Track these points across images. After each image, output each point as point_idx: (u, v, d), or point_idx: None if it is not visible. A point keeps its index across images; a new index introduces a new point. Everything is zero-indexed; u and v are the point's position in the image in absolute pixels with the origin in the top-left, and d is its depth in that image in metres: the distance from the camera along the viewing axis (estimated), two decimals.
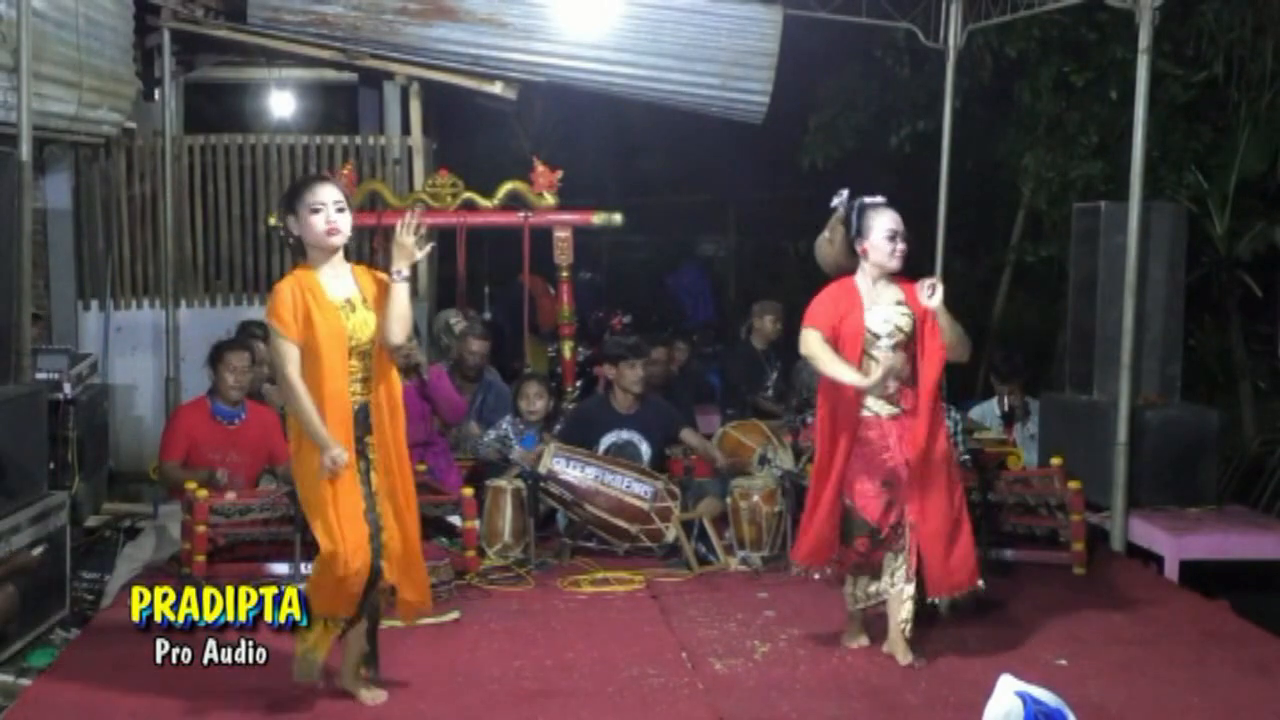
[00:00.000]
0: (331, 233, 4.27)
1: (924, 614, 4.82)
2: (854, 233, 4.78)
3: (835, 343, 4.71)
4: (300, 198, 4.30)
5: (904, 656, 4.70)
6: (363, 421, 4.28)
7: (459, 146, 11.17)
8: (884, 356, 4.70)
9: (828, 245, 4.89)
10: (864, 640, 4.91)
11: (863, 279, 4.80)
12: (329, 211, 4.25)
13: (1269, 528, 6.58)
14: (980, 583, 4.80)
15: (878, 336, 4.72)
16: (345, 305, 4.29)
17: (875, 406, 4.73)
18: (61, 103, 7.07)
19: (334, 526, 4.16)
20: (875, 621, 4.92)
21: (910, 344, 4.74)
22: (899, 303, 4.76)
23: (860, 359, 4.72)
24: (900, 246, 4.73)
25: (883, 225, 4.73)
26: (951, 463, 4.83)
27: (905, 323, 4.73)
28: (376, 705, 4.31)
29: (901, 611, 4.72)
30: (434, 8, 9.02)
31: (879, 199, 4.83)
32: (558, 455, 6.27)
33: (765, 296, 9.39)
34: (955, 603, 4.79)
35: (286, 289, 4.27)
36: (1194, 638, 5.04)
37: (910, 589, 4.72)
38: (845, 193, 4.88)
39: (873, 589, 4.83)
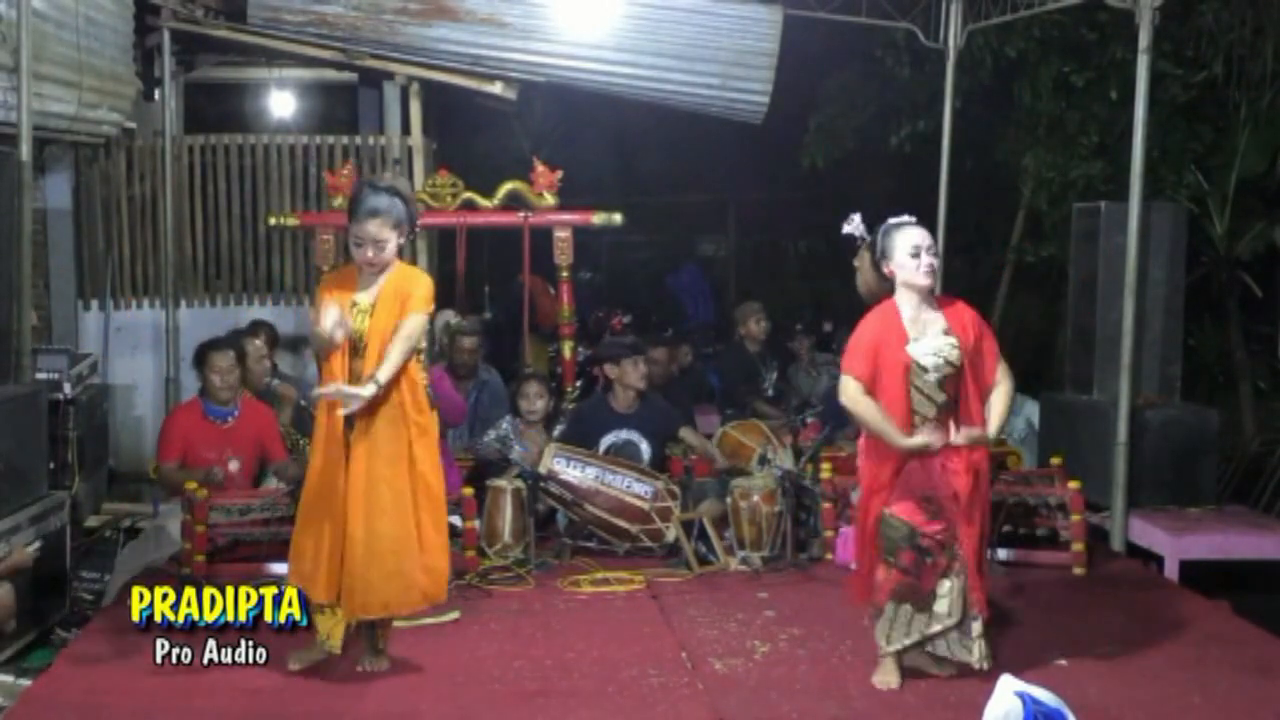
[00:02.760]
0: (368, 264, 4.54)
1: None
2: (879, 255, 4.58)
3: (874, 378, 4.47)
4: (354, 218, 4.53)
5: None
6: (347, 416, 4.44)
7: (459, 146, 11.18)
8: (930, 390, 4.46)
9: (860, 273, 4.70)
10: (894, 681, 4.48)
11: (903, 303, 4.54)
12: (367, 249, 4.50)
13: (1269, 528, 6.58)
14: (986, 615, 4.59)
15: (925, 370, 4.45)
16: (353, 306, 4.50)
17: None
18: (61, 103, 7.07)
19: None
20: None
21: (959, 376, 4.49)
22: (946, 332, 4.50)
23: (906, 392, 4.46)
24: (927, 261, 4.49)
25: (906, 242, 4.52)
26: (987, 499, 4.64)
27: (954, 355, 4.47)
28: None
29: (975, 651, 4.50)
30: (434, 8, 9.02)
31: (905, 218, 4.62)
32: (558, 455, 6.27)
33: (765, 296, 9.39)
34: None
35: (325, 279, 4.87)
36: (1194, 638, 5.03)
37: (979, 625, 4.50)
38: (856, 217, 4.68)
39: (921, 620, 4.47)
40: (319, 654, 4.58)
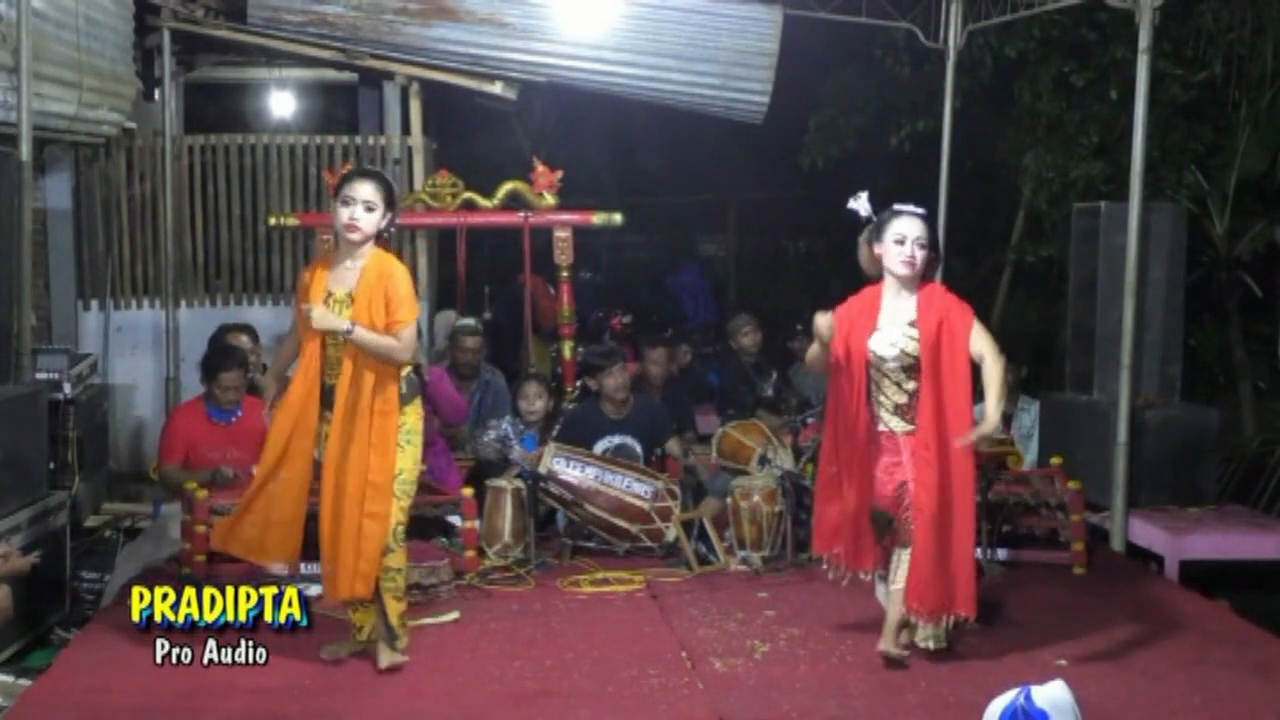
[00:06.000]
0: (349, 229, 4.52)
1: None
2: (873, 235, 4.75)
3: (841, 359, 4.73)
4: (345, 184, 4.57)
5: (886, 644, 4.65)
6: (324, 399, 4.59)
7: (459, 146, 11.17)
8: (898, 378, 4.68)
9: (860, 248, 4.87)
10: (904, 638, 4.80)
11: (886, 288, 4.75)
12: (355, 209, 4.51)
13: (1269, 528, 6.58)
14: (967, 615, 4.69)
15: (884, 359, 4.69)
16: (329, 297, 4.55)
17: (891, 423, 4.72)
18: (61, 103, 7.07)
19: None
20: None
21: (919, 366, 4.65)
22: (910, 324, 4.67)
23: (866, 379, 4.72)
24: (909, 253, 4.64)
25: (894, 229, 4.67)
26: (964, 492, 4.65)
27: (912, 347, 4.66)
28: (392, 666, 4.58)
29: (895, 610, 4.68)
30: (434, 8, 9.01)
31: (910, 207, 4.76)
32: (558, 455, 6.27)
33: (765, 296, 9.36)
34: (937, 634, 4.70)
35: (302, 278, 4.75)
36: (1194, 638, 5.04)
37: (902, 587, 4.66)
38: (864, 195, 4.81)
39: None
40: (354, 646, 4.72)
